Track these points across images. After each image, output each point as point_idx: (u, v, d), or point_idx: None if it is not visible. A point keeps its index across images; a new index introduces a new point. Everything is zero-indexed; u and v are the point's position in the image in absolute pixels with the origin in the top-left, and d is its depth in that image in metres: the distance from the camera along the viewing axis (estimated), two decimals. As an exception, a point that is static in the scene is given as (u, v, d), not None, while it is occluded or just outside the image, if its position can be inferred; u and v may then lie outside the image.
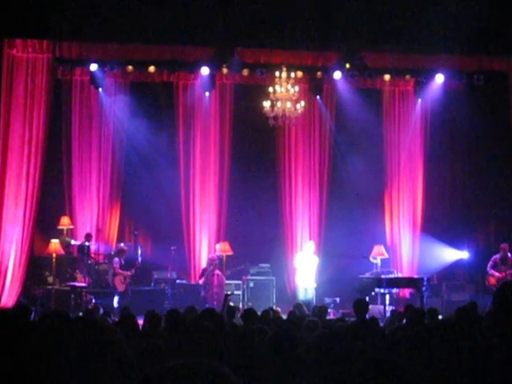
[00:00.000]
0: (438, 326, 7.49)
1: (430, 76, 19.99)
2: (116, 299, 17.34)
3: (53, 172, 19.06)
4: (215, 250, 18.92)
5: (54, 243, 17.34)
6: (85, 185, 19.36)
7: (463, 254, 20.13)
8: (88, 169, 19.41)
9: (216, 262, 18.15)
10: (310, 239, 19.29)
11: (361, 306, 9.97)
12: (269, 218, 19.84)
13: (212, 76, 19.50)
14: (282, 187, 20.31)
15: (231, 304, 14.83)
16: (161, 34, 17.95)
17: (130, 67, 19.06)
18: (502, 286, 3.47)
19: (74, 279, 17.77)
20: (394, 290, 18.21)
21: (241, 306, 17.42)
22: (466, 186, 20.87)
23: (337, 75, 19.57)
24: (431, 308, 11.09)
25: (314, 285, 17.73)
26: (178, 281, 18.64)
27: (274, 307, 15.45)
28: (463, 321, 7.68)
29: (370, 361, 2.98)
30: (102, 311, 13.21)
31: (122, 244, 18.72)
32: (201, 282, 18.22)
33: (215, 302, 16.54)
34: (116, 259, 17.87)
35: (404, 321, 10.32)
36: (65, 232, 18.69)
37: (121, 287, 17.63)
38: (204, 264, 19.09)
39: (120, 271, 17.70)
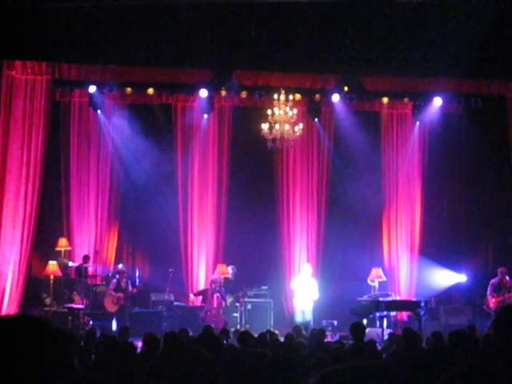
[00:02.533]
0: (436, 350, 7.50)
1: (427, 99, 20.06)
2: (115, 321, 17.28)
3: (51, 194, 19.06)
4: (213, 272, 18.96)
5: (52, 265, 17.33)
6: (83, 206, 19.35)
7: (461, 277, 20.12)
8: (86, 190, 19.41)
9: (217, 285, 18.15)
10: (308, 262, 19.28)
11: (357, 330, 9.94)
12: (267, 240, 19.81)
13: (210, 98, 19.54)
14: (281, 209, 20.31)
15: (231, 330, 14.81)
16: (160, 57, 18.00)
17: (129, 89, 19.11)
18: (504, 310, 3.45)
19: (72, 301, 17.73)
20: (392, 313, 18.18)
21: (238, 327, 17.39)
22: (464, 209, 20.88)
23: (335, 98, 19.62)
24: (436, 331, 11.09)
25: (311, 307, 17.67)
26: (175, 303, 18.57)
27: (272, 330, 15.43)
28: (459, 345, 7.67)
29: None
30: (98, 333, 13.15)
31: (120, 265, 18.72)
32: (192, 296, 18.40)
33: (213, 324, 16.48)
34: (114, 280, 17.89)
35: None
36: (62, 254, 18.64)
37: (112, 308, 17.60)
38: (202, 286, 19.14)
39: (112, 293, 17.68)
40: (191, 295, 18.79)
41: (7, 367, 2.01)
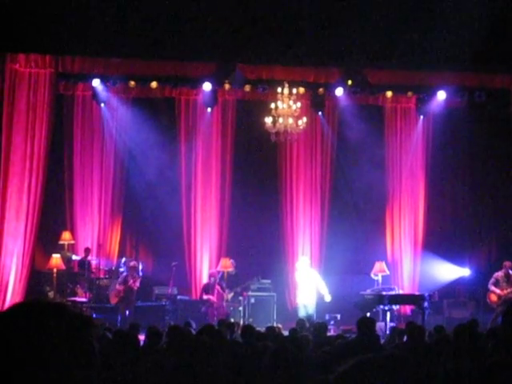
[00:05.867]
0: (438, 344, 7.48)
1: (431, 93, 19.99)
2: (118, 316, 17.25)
3: (54, 187, 19.07)
4: (217, 265, 18.90)
5: (55, 258, 17.32)
6: (86, 200, 19.35)
7: (464, 271, 20.11)
8: (89, 184, 19.41)
9: (216, 278, 18.09)
10: (310, 255, 19.22)
11: (365, 324, 9.88)
12: (270, 233, 19.81)
13: (214, 92, 19.50)
14: (284, 203, 20.29)
15: (232, 320, 14.78)
16: (163, 50, 17.99)
17: (132, 82, 19.05)
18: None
19: (75, 294, 17.73)
20: (395, 307, 18.15)
21: (241, 322, 17.36)
22: (468, 203, 20.83)
23: (339, 92, 19.57)
24: (438, 325, 11.07)
25: (314, 301, 17.56)
26: (178, 297, 18.56)
27: (275, 324, 15.40)
28: (462, 339, 7.65)
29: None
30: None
31: (133, 261, 18.68)
32: (204, 297, 18.21)
33: (215, 318, 16.47)
34: (124, 274, 17.91)
35: (405, 338, 10.27)
36: (66, 247, 18.64)
37: (113, 300, 17.63)
38: (205, 280, 19.11)
39: (117, 286, 17.68)
40: (205, 297, 18.41)
41: (27, 358, 1.96)
